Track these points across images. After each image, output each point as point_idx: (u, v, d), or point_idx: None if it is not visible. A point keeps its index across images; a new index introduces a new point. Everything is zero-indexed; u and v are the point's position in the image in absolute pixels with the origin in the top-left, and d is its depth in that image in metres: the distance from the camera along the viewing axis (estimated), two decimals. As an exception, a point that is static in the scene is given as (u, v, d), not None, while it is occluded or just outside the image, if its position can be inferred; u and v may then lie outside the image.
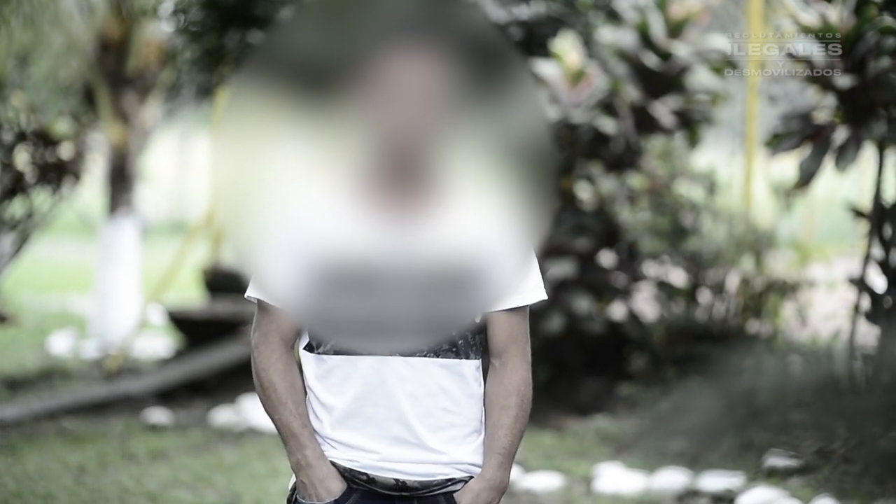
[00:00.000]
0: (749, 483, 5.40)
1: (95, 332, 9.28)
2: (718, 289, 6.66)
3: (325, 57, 6.26)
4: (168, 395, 7.47)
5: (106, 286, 9.31)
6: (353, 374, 2.45)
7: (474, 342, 2.49)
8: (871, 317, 5.52)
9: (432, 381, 2.45)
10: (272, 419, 2.50)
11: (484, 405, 2.53)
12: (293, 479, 2.51)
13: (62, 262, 15.53)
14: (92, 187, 10.10)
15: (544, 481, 5.65)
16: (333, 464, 2.47)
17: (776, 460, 5.54)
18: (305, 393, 2.51)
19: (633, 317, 6.96)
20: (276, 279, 2.47)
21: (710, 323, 6.65)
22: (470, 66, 2.51)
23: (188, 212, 20.60)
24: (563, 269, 6.79)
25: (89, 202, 13.59)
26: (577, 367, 7.09)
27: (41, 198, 8.09)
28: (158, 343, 9.26)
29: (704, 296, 6.71)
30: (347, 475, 2.46)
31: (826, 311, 6.35)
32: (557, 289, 6.81)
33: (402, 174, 2.46)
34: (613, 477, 5.62)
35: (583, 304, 6.78)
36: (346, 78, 2.49)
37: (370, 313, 2.43)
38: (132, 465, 5.99)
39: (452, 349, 2.46)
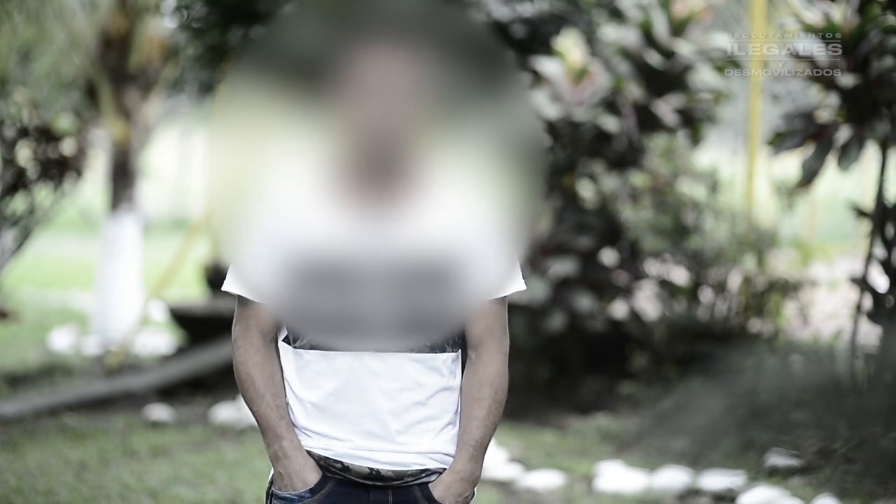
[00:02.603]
0: (750, 482, 5.39)
1: (97, 328, 9.29)
2: (720, 288, 6.66)
3: (313, 52, 6.27)
4: (169, 392, 7.47)
5: (107, 282, 9.31)
6: (328, 369, 2.47)
7: (450, 334, 2.51)
8: (873, 316, 5.51)
9: (406, 377, 2.46)
10: (251, 411, 2.53)
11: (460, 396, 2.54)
12: (272, 472, 2.53)
13: (64, 259, 15.53)
14: (93, 183, 10.13)
15: (545, 480, 5.65)
16: (309, 453, 2.49)
17: (777, 459, 5.53)
18: (284, 385, 2.53)
19: (635, 315, 6.95)
20: (254, 273, 2.49)
21: (712, 322, 6.65)
22: (464, 64, 2.53)
23: (190, 208, 20.60)
24: (565, 267, 6.79)
25: (91, 198, 13.61)
26: (579, 366, 7.09)
27: (43, 194, 8.09)
28: (160, 340, 9.26)
29: (706, 295, 6.71)
30: (322, 463, 2.48)
31: (828, 310, 6.35)
32: (559, 287, 6.81)
33: (378, 170, 2.48)
34: (614, 475, 5.62)
35: (584, 302, 6.78)
36: (325, 73, 2.51)
37: (346, 310, 2.44)
38: (133, 461, 5.99)
39: (427, 343, 2.47)
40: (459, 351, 2.54)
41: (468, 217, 2.50)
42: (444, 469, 2.51)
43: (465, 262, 2.48)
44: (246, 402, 2.53)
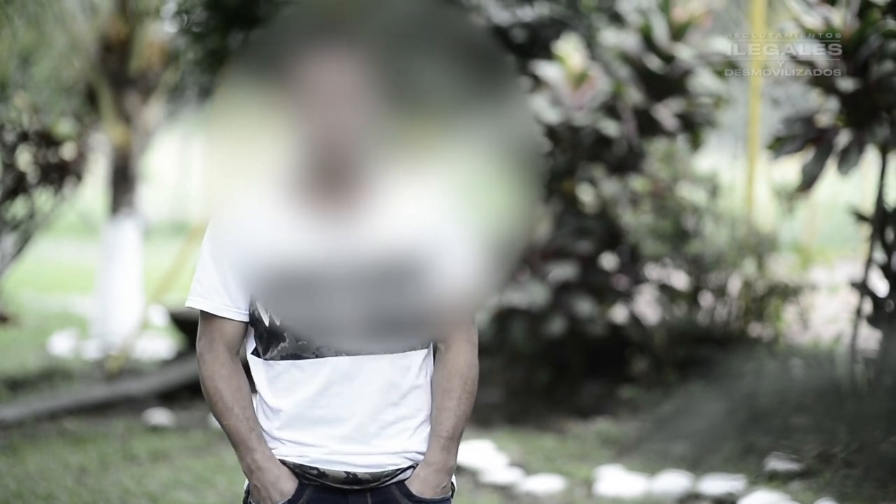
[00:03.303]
0: (750, 487, 5.39)
1: (97, 332, 9.28)
2: (720, 292, 6.66)
3: (291, 58, 6.28)
4: (169, 397, 7.47)
5: (107, 287, 9.31)
6: (302, 377, 2.46)
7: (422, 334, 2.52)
8: (873, 321, 5.51)
9: (380, 378, 2.47)
10: (221, 425, 2.53)
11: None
12: (247, 483, 2.52)
13: (64, 263, 15.53)
14: (94, 188, 10.11)
15: (545, 484, 5.65)
16: (284, 462, 2.49)
17: (777, 464, 5.53)
18: (256, 394, 2.53)
19: (635, 320, 6.95)
20: (218, 287, 2.48)
21: (712, 326, 6.65)
22: (464, 68, 2.54)
23: (190, 212, 20.60)
24: (565, 271, 6.79)
25: (91, 203, 13.59)
26: (579, 370, 7.09)
27: (43, 198, 8.09)
28: (160, 344, 9.26)
29: (706, 299, 6.71)
30: (298, 471, 2.48)
31: (828, 314, 6.35)
32: (559, 292, 6.81)
33: (334, 176, 2.47)
34: (614, 480, 5.62)
35: (584, 306, 6.78)
36: (289, 79, 2.50)
37: (316, 316, 2.44)
38: (133, 466, 5.99)
39: (399, 344, 2.48)
40: (429, 348, 2.55)
41: (430, 216, 2.50)
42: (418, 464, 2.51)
43: (429, 261, 2.48)
44: (215, 416, 2.53)
